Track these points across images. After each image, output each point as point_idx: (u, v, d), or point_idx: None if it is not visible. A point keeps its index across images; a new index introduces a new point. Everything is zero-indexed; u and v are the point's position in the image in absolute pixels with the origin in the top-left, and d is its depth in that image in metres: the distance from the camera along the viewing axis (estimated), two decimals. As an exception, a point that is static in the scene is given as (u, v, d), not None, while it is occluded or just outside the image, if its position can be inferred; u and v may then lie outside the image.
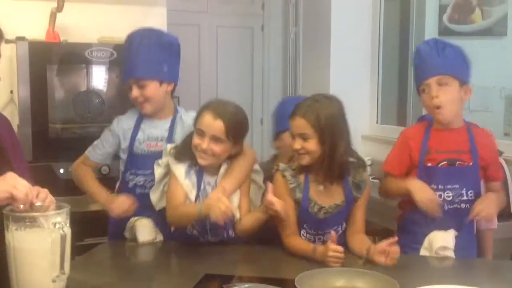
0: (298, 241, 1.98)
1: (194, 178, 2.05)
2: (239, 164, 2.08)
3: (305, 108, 1.96)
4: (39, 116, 2.70)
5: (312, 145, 1.95)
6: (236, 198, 2.06)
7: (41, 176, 2.57)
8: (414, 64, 2.16)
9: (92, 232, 2.58)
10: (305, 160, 1.98)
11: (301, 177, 2.02)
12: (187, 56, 4.13)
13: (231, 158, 2.08)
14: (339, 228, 2.04)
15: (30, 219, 1.47)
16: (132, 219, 2.17)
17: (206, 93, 4.33)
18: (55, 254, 1.47)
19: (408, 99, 4.21)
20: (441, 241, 1.99)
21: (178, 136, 2.22)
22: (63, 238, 1.47)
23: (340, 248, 1.81)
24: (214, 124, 1.98)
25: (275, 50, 4.64)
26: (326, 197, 2.01)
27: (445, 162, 2.08)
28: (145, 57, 2.17)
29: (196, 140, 2.01)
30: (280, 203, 1.88)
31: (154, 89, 2.17)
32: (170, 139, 2.22)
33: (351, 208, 2.04)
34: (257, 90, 4.70)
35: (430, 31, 4.42)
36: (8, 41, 2.80)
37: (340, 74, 3.80)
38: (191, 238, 2.07)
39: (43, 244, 1.47)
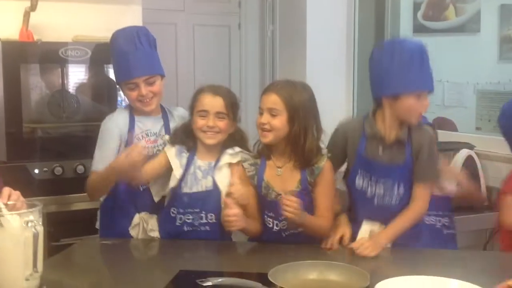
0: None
1: (184, 160, 2.13)
2: None
3: (280, 85, 2.07)
4: (13, 116, 2.67)
5: (279, 122, 2.01)
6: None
7: (16, 176, 2.59)
8: None
9: (68, 232, 2.57)
10: (268, 138, 2.04)
11: (259, 162, 2.10)
12: (164, 55, 4.10)
13: (229, 143, 2.16)
14: None
15: (1, 217, 1.47)
16: (138, 215, 2.21)
17: (183, 91, 4.33)
18: (27, 253, 1.48)
19: (384, 96, 4.26)
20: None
21: None
22: (35, 236, 1.47)
23: (233, 211, 1.95)
24: (215, 101, 2.10)
25: (252, 48, 4.64)
26: (282, 183, 2.07)
27: None
28: (148, 54, 2.27)
29: (200, 121, 2.11)
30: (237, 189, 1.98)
31: (160, 84, 2.29)
32: (168, 134, 2.30)
33: (307, 196, 2.07)
34: (235, 88, 4.67)
35: (405, 28, 4.48)
36: (-20, 41, 2.78)
37: (316, 71, 3.83)
38: (172, 224, 2.11)
39: (16, 242, 1.47)
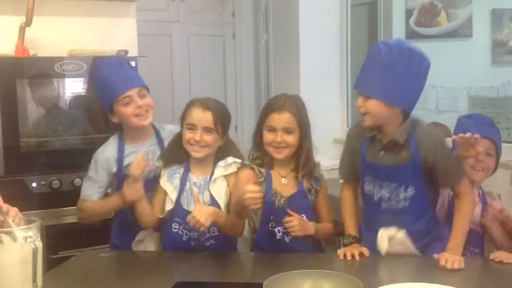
0: None
1: (176, 181, 2.16)
2: None
3: (289, 102, 2.11)
4: (10, 131, 2.70)
5: (294, 139, 2.09)
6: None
7: (13, 190, 2.60)
8: None
9: (66, 245, 2.60)
10: (283, 154, 2.10)
11: (264, 171, 2.15)
12: (160, 66, 4.14)
13: (221, 154, 2.19)
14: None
15: (1, 234, 1.50)
16: (142, 232, 2.24)
17: (179, 102, 4.35)
18: (27, 268, 1.50)
19: (378, 102, 4.29)
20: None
21: None
22: (34, 251, 1.50)
23: (256, 188, 1.92)
24: (204, 116, 2.11)
25: (247, 57, 4.68)
26: (288, 190, 2.13)
27: None
28: (133, 71, 2.35)
29: (188, 134, 2.13)
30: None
31: (150, 98, 2.30)
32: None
33: (304, 198, 2.13)
34: (231, 97, 4.74)
35: (398, 35, 4.52)
36: (-24, 57, 2.81)
37: (310, 80, 3.86)
38: (177, 240, 2.12)
39: (15, 258, 1.49)
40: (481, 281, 1.74)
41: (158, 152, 2.30)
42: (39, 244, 1.51)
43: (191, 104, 2.18)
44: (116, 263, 2.08)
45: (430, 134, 2.07)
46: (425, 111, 4.46)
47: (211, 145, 2.15)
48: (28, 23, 2.88)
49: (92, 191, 2.27)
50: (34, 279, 1.50)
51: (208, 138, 2.12)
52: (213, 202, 2.13)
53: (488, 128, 2.25)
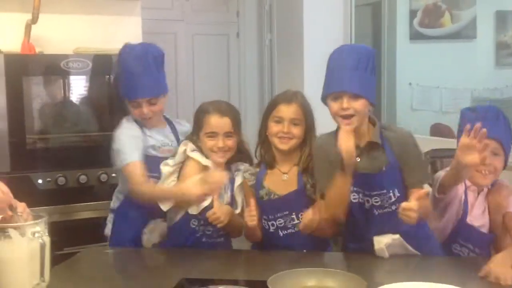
0: None
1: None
2: None
3: (296, 96, 2.18)
4: (16, 127, 2.72)
5: (300, 131, 2.14)
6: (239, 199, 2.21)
7: (19, 186, 2.60)
8: None
9: (71, 241, 2.61)
10: (288, 145, 2.14)
11: (255, 170, 2.20)
12: (164, 64, 4.15)
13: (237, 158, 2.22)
14: (293, 216, 2.12)
15: (9, 229, 1.51)
16: (154, 221, 2.25)
17: (183, 100, 4.38)
18: (34, 263, 1.51)
19: (382, 103, 4.30)
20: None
21: None
22: (42, 246, 1.51)
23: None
24: (223, 122, 2.15)
25: (251, 56, 4.70)
26: (287, 186, 2.15)
27: None
28: (154, 76, 2.31)
29: (210, 142, 2.15)
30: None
31: (162, 102, 2.34)
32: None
33: (304, 196, 2.14)
34: (234, 96, 4.76)
35: (402, 36, 4.54)
36: (-17, 54, 2.82)
37: (314, 79, 3.84)
38: (191, 235, 2.13)
39: (23, 253, 1.51)
40: (480, 281, 1.75)
41: (175, 141, 2.35)
42: (47, 239, 1.53)
43: (205, 112, 2.19)
44: (121, 259, 2.10)
45: (401, 134, 2.04)
46: (428, 112, 4.48)
47: (233, 148, 2.19)
48: (34, 20, 2.89)
49: (136, 152, 2.21)
50: (42, 274, 1.52)
51: (230, 142, 2.16)
52: (232, 204, 2.17)
53: (492, 125, 2.06)
